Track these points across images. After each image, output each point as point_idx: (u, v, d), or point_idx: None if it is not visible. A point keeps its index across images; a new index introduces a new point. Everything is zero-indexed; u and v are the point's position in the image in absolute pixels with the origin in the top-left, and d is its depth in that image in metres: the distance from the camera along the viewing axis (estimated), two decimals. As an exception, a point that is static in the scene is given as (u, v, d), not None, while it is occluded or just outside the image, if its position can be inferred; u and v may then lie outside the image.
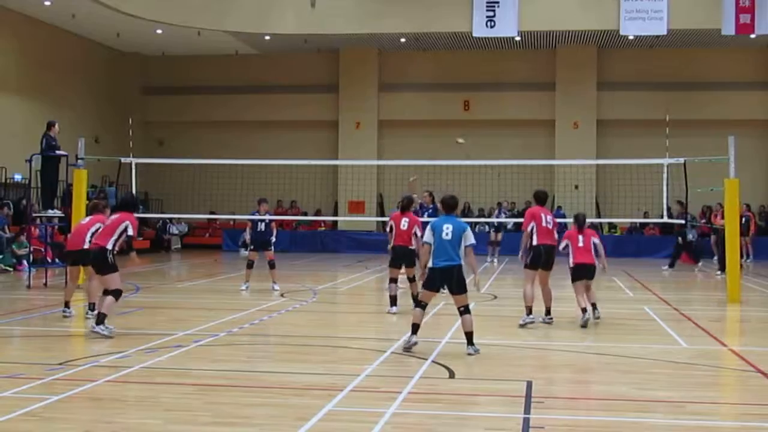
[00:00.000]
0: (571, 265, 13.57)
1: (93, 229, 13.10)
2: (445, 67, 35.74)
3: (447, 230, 10.77)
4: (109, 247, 11.98)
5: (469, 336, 10.79)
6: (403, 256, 14.62)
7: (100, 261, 12.03)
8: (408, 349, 10.70)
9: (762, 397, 8.69)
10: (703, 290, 21.05)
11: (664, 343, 11.87)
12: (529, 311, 13.24)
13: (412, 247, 14.53)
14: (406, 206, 14.91)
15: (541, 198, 13.82)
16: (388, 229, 15.06)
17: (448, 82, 35.66)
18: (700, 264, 25.40)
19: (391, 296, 14.70)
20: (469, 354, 10.62)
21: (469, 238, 10.79)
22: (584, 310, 13.22)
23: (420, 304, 10.91)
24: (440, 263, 10.72)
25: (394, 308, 14.59)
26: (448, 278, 10.76)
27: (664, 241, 32.21)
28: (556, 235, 13.51)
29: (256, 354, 10.88)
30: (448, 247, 10.70)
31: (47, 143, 18.96)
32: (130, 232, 12.15)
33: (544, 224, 13.22)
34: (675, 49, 34.05)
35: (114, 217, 12.39)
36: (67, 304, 13.67)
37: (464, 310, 10.82)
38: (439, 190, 17.41)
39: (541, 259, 13.20)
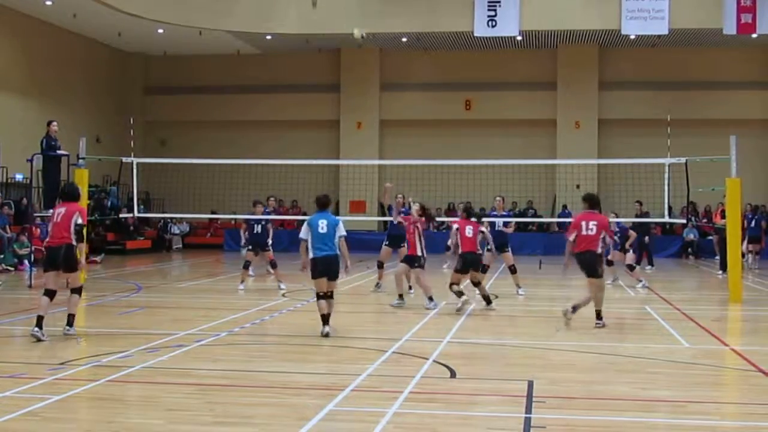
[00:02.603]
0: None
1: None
2: (446, 67, 35.73)
3: (322, 225, 12.05)
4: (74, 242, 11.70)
5: (326, 317, 11.96)
6: (473, 263, 15.16)
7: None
8: (326, 335, 11.78)
9: (763, 396, 8.68)
10: (705, 290, 21.03)
11: (666, 343, 11.86)
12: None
13: (480, 253, 15.49)
14: (469, 213, 15.49)
15: (592, 201, 13.53)
16: (452, 236, 15.46)
17: (449, 81, 35.66)
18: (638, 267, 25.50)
19: (458, 292, 14.95)
20: (326, 335, 11.78)
21: (341, 230, 12.15)
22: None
23: (322, 295, 12.01)
24: (320, 253, 11.95)
25: (464, 297, 14.88)
26: (328, 266, 11.97)
27: (666, 240, 32.23)
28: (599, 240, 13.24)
29: (257, 354, 10.88)
30: (326, 239, 11.98)
31: (47, 143, 18.97)
32: (80, 221, 11.69)
33: (584, 232, 13.08)
34: (676, 48, 34.02)
35: (61, 210, 11.83)
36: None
37: (331, 295, 12.14)
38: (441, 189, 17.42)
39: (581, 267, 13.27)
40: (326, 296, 12.06)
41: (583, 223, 13.11)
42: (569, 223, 21.30)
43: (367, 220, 32.72)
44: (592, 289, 13.14)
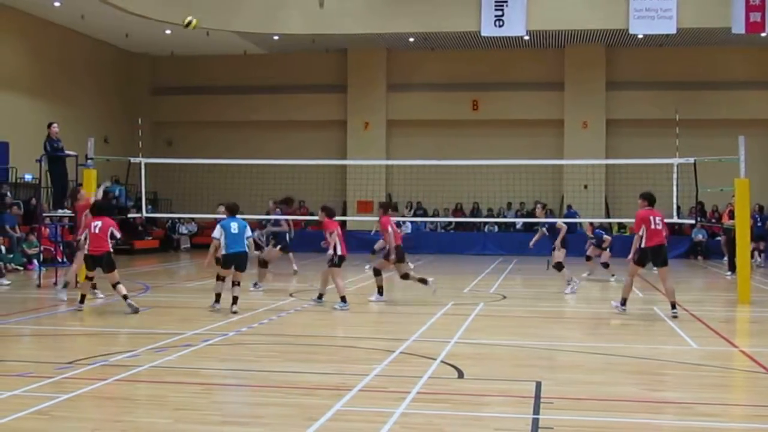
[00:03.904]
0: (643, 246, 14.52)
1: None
2: (453, 67, 35.69)
3: (234, 227, 14.66)
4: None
5: (235, 299, 14.44)
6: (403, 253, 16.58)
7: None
8: (213, 309, 14.52)
9: (772, 397, 8.66)
10: (713, 291, 20.98)
11: (674, 344, 11.83)
12: (623, 302, 14.91)
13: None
14: (387, 208, 16.88)
15: (651, 200, 14.81)
16: (390, 231, 16.19)
17: (456, 81, 35.62)
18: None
19: (379, 286, 16.52)
20: (234, 312, 14.13)
21: (248, 232, 14.78)
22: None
23: (221, 278, 14.76)
24: (232, 250, 14.57)
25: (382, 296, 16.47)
26: (238, 261, 14.60)
27: (674, 241, 32.04)
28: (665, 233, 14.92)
29: (265, 354, 10.87)
30: (237, 238, 14.58)
31: (50, 145, 18.94)
32: (117, 235, 14.60)
33: (653, 226, 14.39)
34: (684, 47, 33.93)
35: (98, 223, 14.46)
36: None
37: (237, 284, 14.63)
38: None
39: (648, 260, 14.63)
40: (234, 284, 14.55)
41: (652, 218, 14.42)
42: (579, 223, 22.46)
43: (375, 221, 32.67)
44: (669, 277, 14.70)
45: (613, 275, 21.38)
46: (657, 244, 14.40)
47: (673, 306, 14.47)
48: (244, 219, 15.23)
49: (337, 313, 14.94)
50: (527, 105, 35.19)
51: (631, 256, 14.75)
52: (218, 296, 14.75)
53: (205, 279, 21.27)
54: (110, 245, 14.40)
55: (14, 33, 29.46)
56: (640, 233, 14.40)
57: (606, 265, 21.69)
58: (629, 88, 34.78)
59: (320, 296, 15.90)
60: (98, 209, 14.84)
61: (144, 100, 37.45)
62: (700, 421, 7.50)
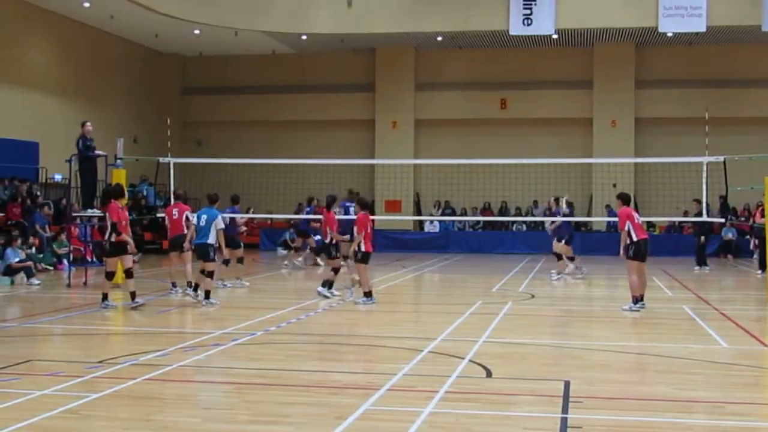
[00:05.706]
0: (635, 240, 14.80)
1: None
2: (481, 66, 35.61)
3: (203, 219, 15.31)
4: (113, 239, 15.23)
5: (207, 293, 15.15)
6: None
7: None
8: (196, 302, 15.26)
9: (804, 398, 8.56)
10: (743, 289, 20.78)
11: (704, 343, 11.73)
12: (636, 300, 14.88)
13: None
14: (330, 204, 17.44)
15: (627, 199, 15.38)
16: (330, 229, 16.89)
17: (484, 80, 35.54)
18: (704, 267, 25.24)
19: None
20: (212, 303, 15.02)
21: (219, 224, 15.31)
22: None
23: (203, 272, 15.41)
24: (197, 241, 15.42)
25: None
26: (200, 251, 15.38)
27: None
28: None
29: (294, 353, 10.89)
30: (203, 230, 15.26)
31: (83, 143, 19.06)
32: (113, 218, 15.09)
33: (637, 221, 14.87)
34: (714, 45, 33.66)
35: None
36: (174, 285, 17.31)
37: (208, 274, 15.25)
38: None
39: (643, 252, 14.84)
40: (208, 275, 15.21)
41: (635, 214, 15.01)
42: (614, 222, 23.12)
43: (403, 220, 32.76)
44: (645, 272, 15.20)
45: (560, 271, 21.87)
46: (645, 237, 14.91)
47: (642, 298, 14.90)
48: (269, 217, 15.35)
49: (364, 312, 14.95)
50: (556, 104, 35.05)
51: (622, 252, 14.93)
52: (207, 293, 15.33)
53: (232, 278, 21.36)
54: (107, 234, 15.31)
55: (44, 33, 29.72)
56: (626, 228, 14.72)
57: (559, 257, 21.94)
58: (658, 87, 34.55)
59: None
60: (104, 195, 16.14)
61: (173, 100, 37.66)
62: (730, 421, 7.43)
